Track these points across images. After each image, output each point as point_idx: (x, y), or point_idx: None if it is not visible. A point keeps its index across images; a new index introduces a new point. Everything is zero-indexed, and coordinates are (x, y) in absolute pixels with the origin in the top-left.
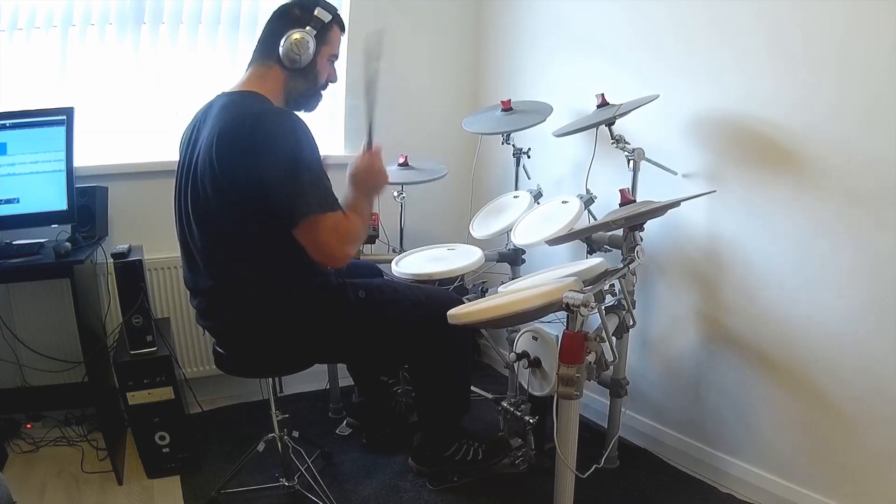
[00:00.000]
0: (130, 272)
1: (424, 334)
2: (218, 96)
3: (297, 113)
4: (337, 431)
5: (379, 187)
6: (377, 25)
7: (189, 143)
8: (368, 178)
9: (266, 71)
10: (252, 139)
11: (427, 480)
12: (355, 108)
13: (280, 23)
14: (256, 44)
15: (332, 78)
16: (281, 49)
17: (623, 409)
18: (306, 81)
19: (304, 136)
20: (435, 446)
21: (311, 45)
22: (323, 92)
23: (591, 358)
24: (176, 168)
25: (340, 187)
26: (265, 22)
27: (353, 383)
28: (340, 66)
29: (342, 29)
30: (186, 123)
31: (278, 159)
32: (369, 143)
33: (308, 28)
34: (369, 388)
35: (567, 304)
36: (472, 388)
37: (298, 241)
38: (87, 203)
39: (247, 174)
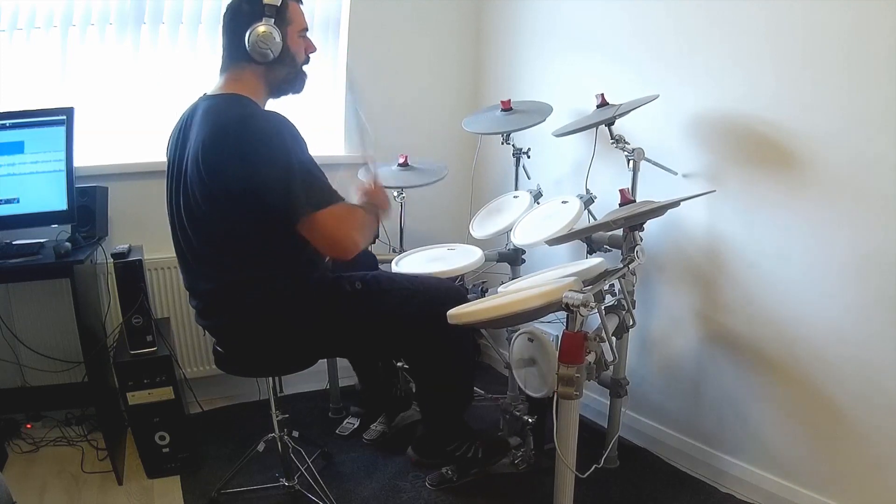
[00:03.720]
0: (130, 272)
1: (423, 324)
2: (200, 98)
3: (289, 96)
4: (337, 431)
5: (382, 208)
6: (375, 28)
7: (177, 146)
8: (375, 196)
9: (241, 73)
10: (240, 145)
11: (427, 480)
12: (355, 110)
13: (235, 23)
14: (222, 51)
15: (311, 50)
16: (248, 48)
17: (623, 409)
18: (285, 67)
19: (290, 136)
20: (437, 439)
21: (276, 34)
22: (306, 68)
23: (590, 358)
24: (165, 171)
25: (341, 188)
26: (221, 29)
27: (353, 383)
28: (341, 67)
29: (298, 0)
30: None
31: (270, 162)
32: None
33: (265, 19)
34: (369, 375)
35: (567, 304)
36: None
37: (305, 239)
38: (87, 203)
39: (237, 180)
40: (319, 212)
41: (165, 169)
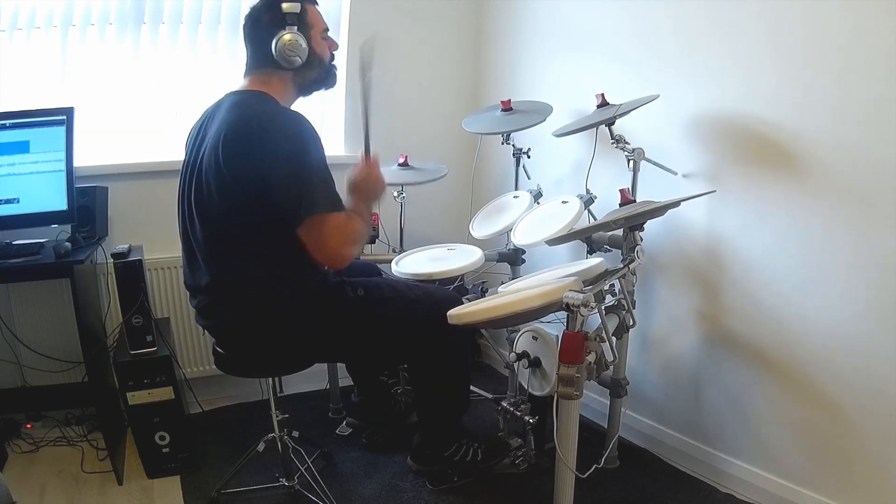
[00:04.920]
0: (130, 272)
1: (423, 332)
2: (227, 95)
3: (321, 91)
4: (337, 431)
5: (378, 195)
6: (375, 28)
7: (196, 140)
8: (367, 186)
9: (268, 78)
10: (258, 140)
11: (427, 480)
12: (355, 109)
13: (257, 32)
14: (247, 60)
15: (334, 48)
16: (276, 56)
17: (623, 409)
18: (313, 69)
19: (309, 137)
20: (434, 446)
21: (301, 40)
22: (334, 64)
23: (591, 358)
24: (181, 165)
25: (341, 188)
26: (243, 38)
27: (352, 383)
28: (341, 67)
29: (314, 1)
30: (189, 122)
31: (284, 160)
32: (367, 152)
33: (287, 26)
34: (369, 387)
35: (567, 304)
36: (472, 388)
37: (301, 241)
38: (87, 203)
39: (252, 174)
40: (320, 217)
41: (180, 165)
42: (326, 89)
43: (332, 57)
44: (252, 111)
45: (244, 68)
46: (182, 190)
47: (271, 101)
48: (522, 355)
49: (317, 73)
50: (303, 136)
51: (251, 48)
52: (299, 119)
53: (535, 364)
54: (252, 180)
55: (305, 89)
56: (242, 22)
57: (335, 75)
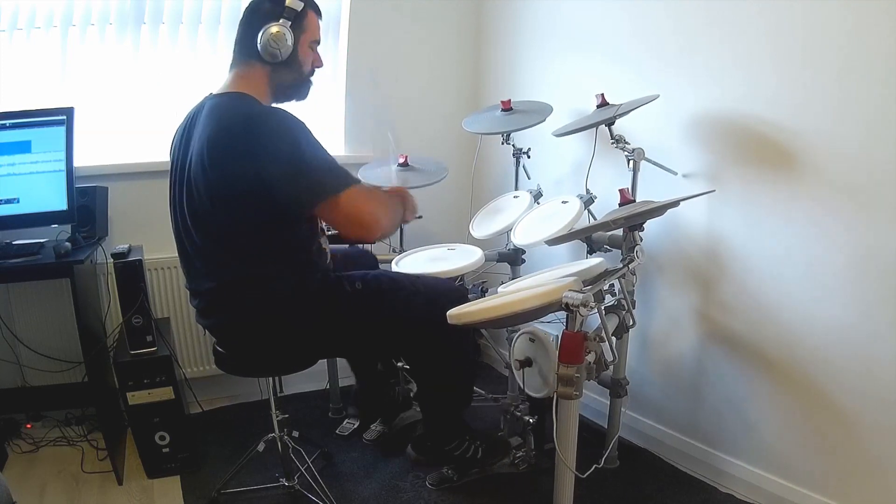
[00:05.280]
0: (130, 272)
1: (424, 324)
2: (206, 98)
3: (292, 102)
4: (337, 431)
5: (409, 207)
6: (375, 28)
7: (181, 145)
8: (403, 192)
9: (248, 70)
10: (246, 141)
11: (427, 480)
12: (355, 109)
13: (253, 19)
14: (234, 45)
15: (318, 63)
16: (259, 45)
17: (623, 409)
18: (291, 72)
19: (297, 127)
20: (436, 438)
21: (289, 36)
22: (312, 78)
23: (590, 358)
24: (169, 170)
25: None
26: (238, 24)
27: (352, 383)
28: (341, 67)
29: (318, 13)
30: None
31: (279, 156)
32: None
33: (282, 20)
34: (367, 375)
35: (566, 304)
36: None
37: (334, 223)
38: (87, 203)
39: (245, 176)
40: (338, 195)
41: (168, 168)
42: (297, 100)
43: (313, 71)
44: (234, 112)
45: (230, 59)
46: (173, 197)
47: (252, 101)
48: (521, 361)
49: (293, 78)
50: (290, 129)
51: (241, 36)
52: (281, 114)
53: (532, 366)
54: (245, 182)
55: (280, 93)
56: (245, 7)
57: (308, 90)
